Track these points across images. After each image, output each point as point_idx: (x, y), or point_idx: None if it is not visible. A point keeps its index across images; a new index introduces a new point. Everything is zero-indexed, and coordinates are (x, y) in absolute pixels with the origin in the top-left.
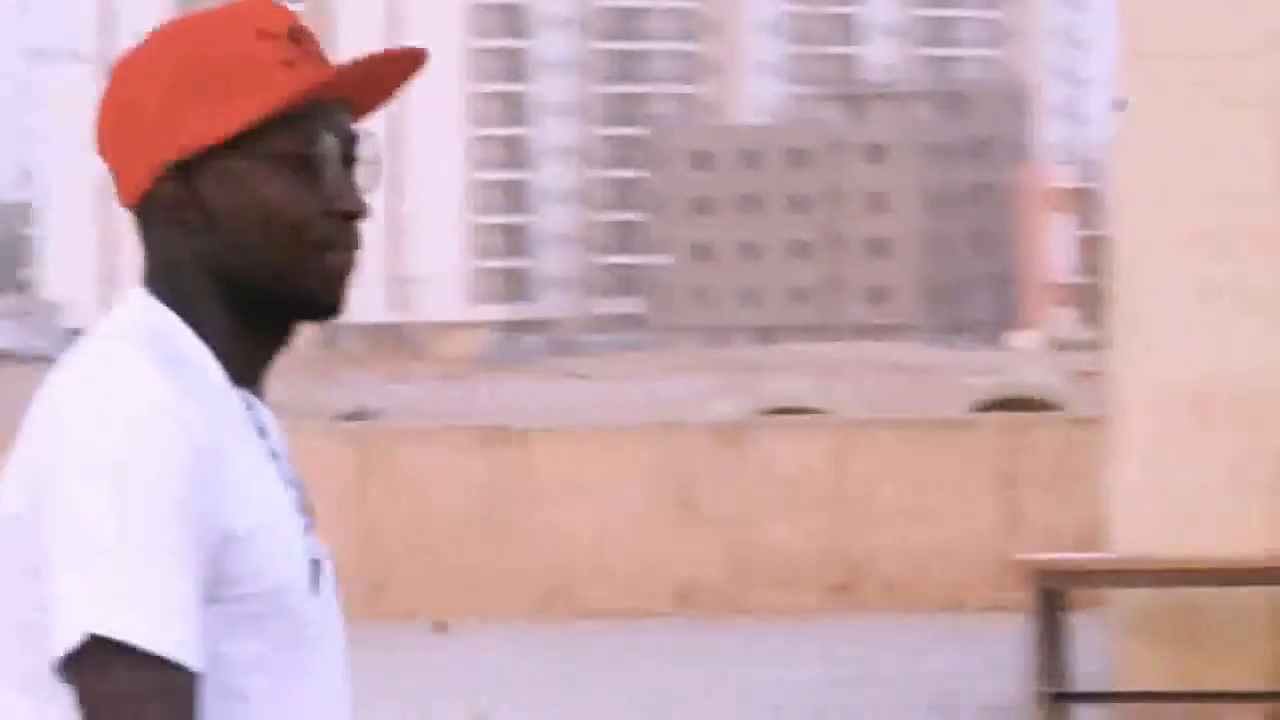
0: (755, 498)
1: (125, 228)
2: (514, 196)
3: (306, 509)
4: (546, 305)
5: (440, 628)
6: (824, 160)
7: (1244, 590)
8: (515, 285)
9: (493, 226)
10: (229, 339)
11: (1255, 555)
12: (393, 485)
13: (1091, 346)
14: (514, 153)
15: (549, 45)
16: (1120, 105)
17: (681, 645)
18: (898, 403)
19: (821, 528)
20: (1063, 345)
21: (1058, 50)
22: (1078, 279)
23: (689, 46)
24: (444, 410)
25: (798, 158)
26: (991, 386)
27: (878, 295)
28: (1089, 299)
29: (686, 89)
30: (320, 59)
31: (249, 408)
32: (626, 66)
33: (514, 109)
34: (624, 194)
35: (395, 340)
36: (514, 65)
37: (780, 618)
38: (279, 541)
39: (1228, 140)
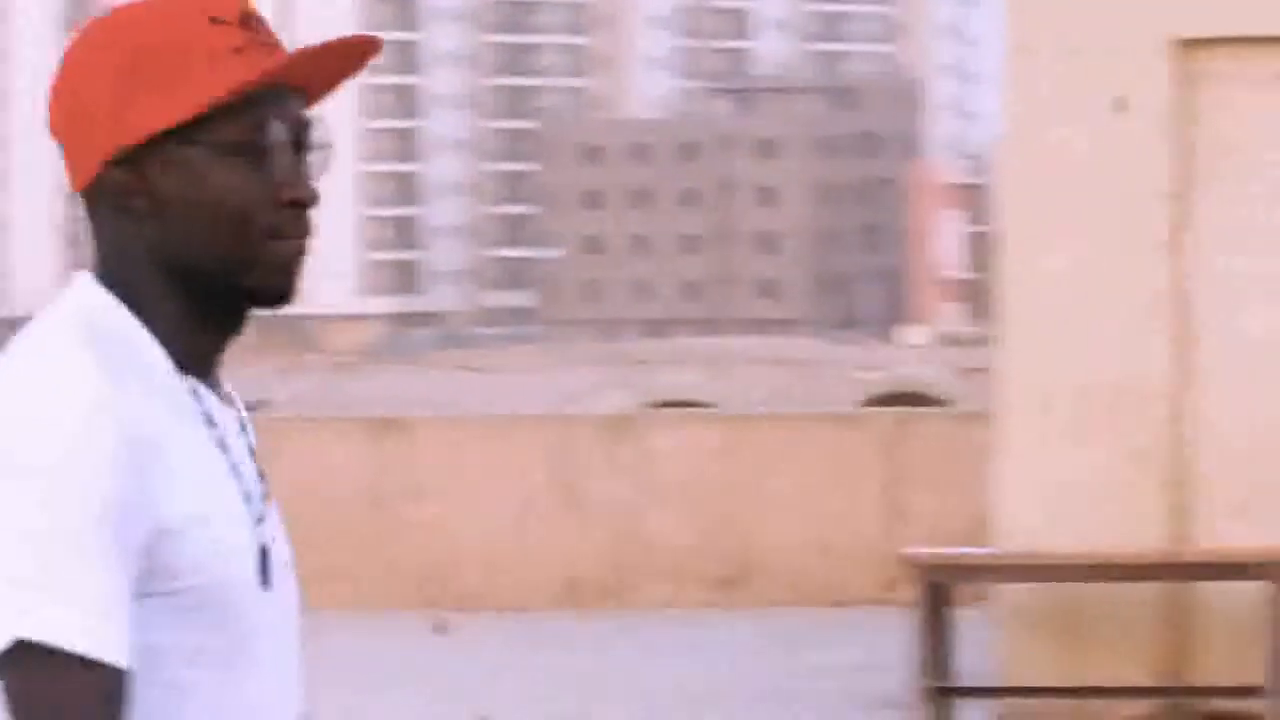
0: (643, 491)
1: (13, 215)
2: (405, 189)
3: (262, 498)
4: (437, 298)
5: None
6: (714, 154)
7: (1128, 586)
8: (406, 278)
9: (383, 219)
10: (176, 327)
11: (1139, 551)
12: (281, 476)
13: (980, 342)
14: (404, 145)
15: (440, 37)
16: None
17: (569, 635)
18: (787, 397)
19: (709, 521)
20: (951, 341)
21: (948, 46)
22: (967, 275)
23: (580, 40)
24: (334, 402)
25: (688, 152)
26: (880, 382)
27: (768, 289)
28: (978, 295)
29: (577, 82)
30: (272, 45)
31: (196, 397)
32: (517, 59)
33: (405, 101)
34: (514, 187)
35: (286, 332)
36: (405, 57)
37: (667, 611)
38: (219, 534)
39: (1115, 139)
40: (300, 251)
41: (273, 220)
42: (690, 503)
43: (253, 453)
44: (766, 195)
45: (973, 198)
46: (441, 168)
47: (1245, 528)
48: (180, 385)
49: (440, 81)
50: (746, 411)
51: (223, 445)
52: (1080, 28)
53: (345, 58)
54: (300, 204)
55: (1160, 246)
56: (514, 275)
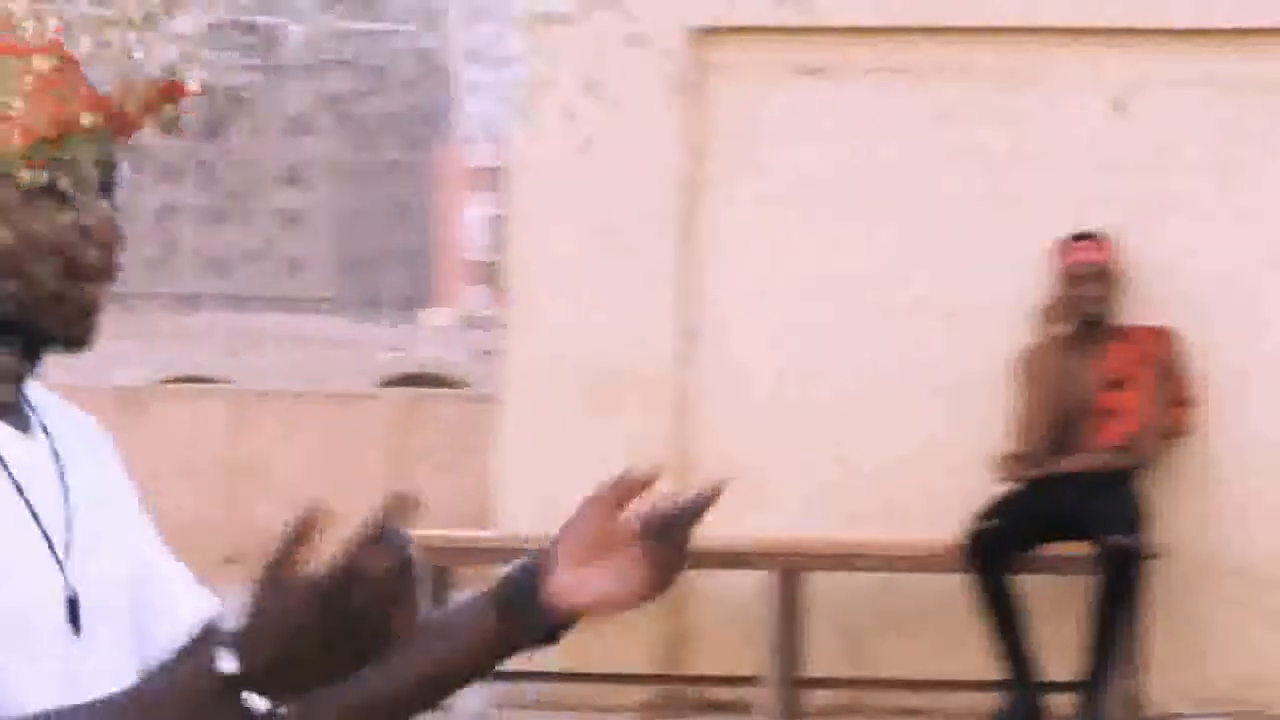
0: (151, 465)
1: None
2: None
3: (68, 528)
4: None
5: None
6: (241, 129)
7: None
8: None
9: None
10: None
11: None
12: None
13: (499, 325)
14: None
15: None
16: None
17: None
18: (308, 376)
19: (216, 497)
20: (473, 323)
21: (480, 28)
22: (491, 258)
23: (109, 13)
24: None
25: (215, 126)
26: (396, 362)
27: (293, 267)
28: (500, 278)
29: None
30: (79, 84)
31: None
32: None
33: None
34: None
35: None
36: None
37: None
38: None
39: (627, 126)
40: (104, 294)
41: (79, 261)
42: (198, 478)
43: (64, 480)
44: (291, 172)
45: (499, 181)
46: None
47: (748, 517)
48: None
49: None
50: (255, 388)
51: (18, 487)
52: (595, 13)
53: (152, 93)
54: (108, 245)
55: (668, 234)
56: None
